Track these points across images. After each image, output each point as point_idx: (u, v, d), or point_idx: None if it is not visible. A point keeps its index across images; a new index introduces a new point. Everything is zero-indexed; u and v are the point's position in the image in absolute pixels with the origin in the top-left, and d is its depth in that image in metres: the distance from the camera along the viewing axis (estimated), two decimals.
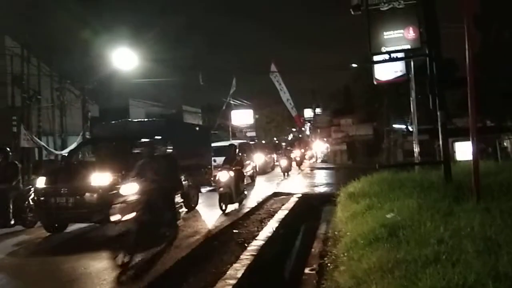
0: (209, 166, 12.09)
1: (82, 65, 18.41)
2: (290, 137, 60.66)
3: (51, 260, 6.29)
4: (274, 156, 26.69)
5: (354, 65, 27.13)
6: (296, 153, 24.97)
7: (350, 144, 32.22)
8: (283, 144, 29.02)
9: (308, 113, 52.31)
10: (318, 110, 44.86)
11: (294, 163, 24.23)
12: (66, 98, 20.22)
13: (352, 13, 9.20)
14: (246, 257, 5.89)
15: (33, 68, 17.83)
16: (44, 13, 17.30)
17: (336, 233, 6.20)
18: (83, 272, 5.53)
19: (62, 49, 17.95)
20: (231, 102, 36.23)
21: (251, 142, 26.73)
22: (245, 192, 10.96)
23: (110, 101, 26.67)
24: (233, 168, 10.05)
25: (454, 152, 12.87)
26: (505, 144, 14.20)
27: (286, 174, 19.54)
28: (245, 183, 12.26)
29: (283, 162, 19.86)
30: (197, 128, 13.71)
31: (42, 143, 17.41)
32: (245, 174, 13.13)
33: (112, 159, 8.23)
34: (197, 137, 11.88)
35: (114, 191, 6.56)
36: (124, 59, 17.97)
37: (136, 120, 14.08)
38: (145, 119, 17.49)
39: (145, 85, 26.43)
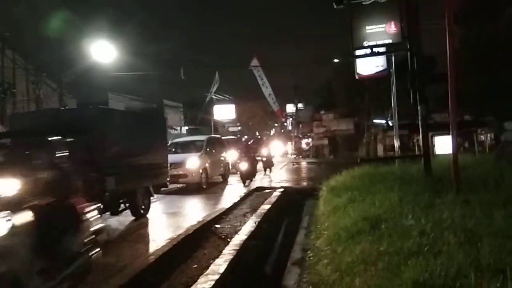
0: (165, 165, 10.33)
1: (60, 57, 17.90)
2: (273, 132, 60.80)
3: None
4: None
5: (336, 60, 27.32)
6: (263, 152, 18.44)
7: (332, 138, 32.52)
8: (244, 138, 23.09)
9: (290, 108, 52.55)
10: (300, 105, 45.08)
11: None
12: (42, 91, 19.64)
13: (335, 7, 9.21)
14: (228, 252, 5.83)
15: (8, 60, 17.25)
16: (20, 4, 16.72)
17: (318, 226, 6.21)
18: None
19: (38, 41, 17.42)
20: (214, 97, 36.05)
21: (228, 137, 24.54)
22: None
23: (88, 94, 26.08)
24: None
25: (434, 146, 13.10)
26: (482, 138, 14.54)
27: (246, 182, 14.38)
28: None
29: (243, 166, 14.42)
30: (148, 119, 11.33)
31: None
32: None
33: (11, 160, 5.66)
34: (148, 130, 9.67)
35: None
36: (103, 51, 17.62)
37: (67, 108, 13.22)
38: (78, 107, 15.82)
39: (125, 78, 26.06)
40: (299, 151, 38.87)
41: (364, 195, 6.31)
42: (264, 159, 18.17)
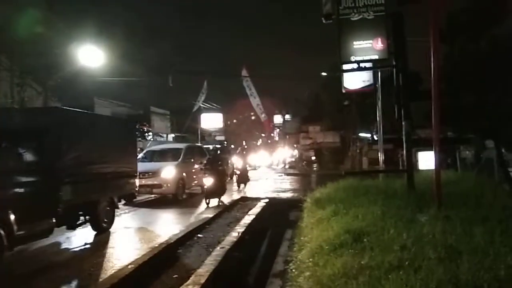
0: (134, 173, 9.47)
1: (46, 60, 17.66)
2: (259, 142, 60.90)
3: None
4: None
5: (323, 74, 27.64)
6: (238, 164, 16.61)
7: (318, 150, 32.72)
8: (217, 147, 20.37)
9: (277, 119, 52.85)
10: (287, 116, 45.37)
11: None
12: (27, 94, 19.31)
13: (324, 21, 9.35)
14: (210, 262, 5.76)
15: None
16: (6, 5, 16.49)
17: (302, 238, 6.20)
18: None
19: (24, 43, 17.15)
20: (201, 105, 36.00)
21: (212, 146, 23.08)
22: None
23: (74, 99, 25.72)
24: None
25: (417, 161, 13.28)
26: (466, 153, 14.80)
27: (212, 201, 11.99)
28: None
29: (208, 181, 12.08)
30: (115, 123, 10.12)
31: None
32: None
33: None
34: (114, 135, 8.77)
35: None
36: (91, 56, 17.44)
37: (21, 108, 12.09)
38: (35, 107, 13.13)
39: (112, 84, 25.82)
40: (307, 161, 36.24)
41: (348, 208, 6.34)
42: (238, 172, 16.49)
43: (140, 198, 11.59)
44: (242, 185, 16.13)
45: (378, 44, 8.06)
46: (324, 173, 23.96)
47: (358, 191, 7.94)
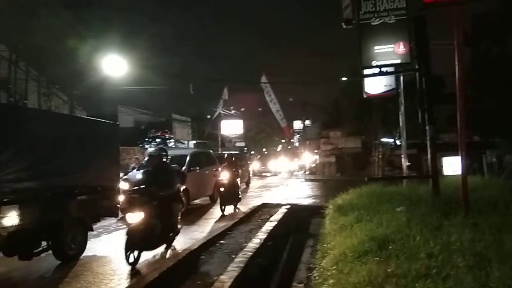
0: (113, 187, 7.68)
1: (71, 70, 18.23)
2: (279, 148, 60.80)
3: None
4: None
5: (344, 79, 27.44)
6: (224, 176, 11.90)
7: (339, 156, 32.39)
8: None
9: (297, 124, 52.69)
10: (307, 122, 45.14)
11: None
12: (53, 103, 19.96)
13: (344, 27, 9.33)
14: (233, 269, 5.78)
15: (21, 72, 17.60)
16: (34, 17, 17.12)
17: (324, 245, 6.15)
18: None
19: (51, 54, 17.75)
20: (221, 112, 36.30)
21: (229, 152, 21.34)
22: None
23: (98, 107, 26.43)
24: None
25: (442, 166, 13.00)
26: (493, 159, 14.41)
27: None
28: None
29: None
30: (86, 125, 7.86)
31: None
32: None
33: None
34: (84, 140, 6.96)
35: None
36: (114, 65, 17.91)
37: None
38: None
39: (135, 92, 26.38)
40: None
41: (372, 215, 6.26)
42: (222, 189, 11.57)
43: None
44: (229, 206, 11.75)
45: (400, 48, 7.98)
46: (345, 179, 23.71)
47: (381, 197, 7.83)
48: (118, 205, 7.84)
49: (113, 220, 9.33)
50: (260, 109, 45.08)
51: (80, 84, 19.05)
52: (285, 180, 26.39)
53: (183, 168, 11.40)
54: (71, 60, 17.88)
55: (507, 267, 3.29)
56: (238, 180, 12.52)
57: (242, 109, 42.29)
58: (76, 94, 19.35)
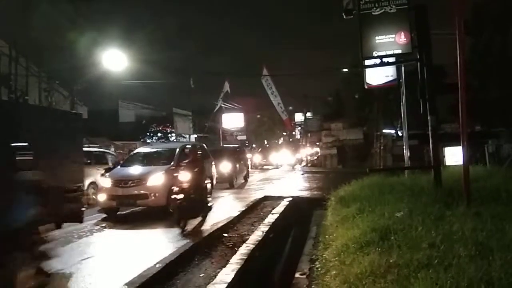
0: (74, 187, 6.76)
1: (72, 66, 18.20)
2: (281, 141, 60.75)
3: None
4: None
5: (345, 70, 27.34)
6: (183, 178, 8.45)
7: (340, 148, 32.36)
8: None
9: (298, 117, 52.58)
10: (308, 114, 45.06)
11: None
12: (54, 99, 19.95)
13: (344, 17, 9.26)
14: (236, 261, 5.81)
15: (21, 68, 17.57)
16: (34, 13, 17.06)
17: (326, 237, 6.17)
18: None
19: (51, 50, 17.73)
20: (222, 105, 36.24)
21: (226, 146, 21.52)
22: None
23: (99, 102, 26.44)
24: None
25: (444, 157, 12.96)
26: (492, 149, 14.38)
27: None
28: None
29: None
30: (38, 113, 7.13)
31: None
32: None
33: None
34: (46, 133, 5.99)
35: None
36: (115, 60, 17.86)
37: None
38: None
39: (135, 87, 26.34)
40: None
41: (373, 206, 6.26)
42: (179, 196, 8.17)
43: (122, 212, 10.30)
44: (186, 222, 8.16)
45: (401, 38, 7.91)
46: (347, 170, 23.70)
47: (383, 188, 7.81)
48: (83, 209, 7.10)
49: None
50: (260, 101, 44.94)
51: (81, 79, 19.03)
52: (286, 172, 26.40)
53: (172, 163, 10.41)
54: (71, 55, 17.85)
55: (509, 256, 3.29)
56: (208, 182, 10.35)
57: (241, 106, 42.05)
58: (76, 89, 19.33)
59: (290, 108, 46.35)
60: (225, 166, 16.08)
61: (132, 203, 10.00)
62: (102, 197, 9.93)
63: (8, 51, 16.89)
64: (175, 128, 36.86)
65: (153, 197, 9.62)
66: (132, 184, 9.77)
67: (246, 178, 18.97)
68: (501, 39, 9.67)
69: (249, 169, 20.80)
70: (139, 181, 9.83)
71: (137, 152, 12.45)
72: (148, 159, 11.36)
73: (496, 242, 3.70)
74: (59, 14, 17.01)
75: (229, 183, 16.20)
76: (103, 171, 11.21)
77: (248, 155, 25.29)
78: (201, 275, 5.45)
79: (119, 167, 11.15)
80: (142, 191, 9.68)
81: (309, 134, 42.78)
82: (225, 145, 24.92)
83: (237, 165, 17.29)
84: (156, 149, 12.75)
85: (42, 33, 16.80)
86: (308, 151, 39.86)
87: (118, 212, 10.11)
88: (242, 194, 14.04)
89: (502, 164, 12.06)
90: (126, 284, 4.88)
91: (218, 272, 5.37)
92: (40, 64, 18.96)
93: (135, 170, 10.47)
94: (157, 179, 9.81)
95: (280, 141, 61.05)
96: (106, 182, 10.01)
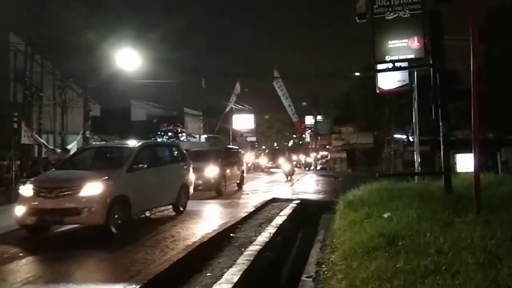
0: None
1: (86, 64, 18.45)
2: (290, 143, 60.67)
3: None
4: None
5: (356, 74, 27.23)
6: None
7: (350, 152, 32.24)
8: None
9: (309, 120, 52.46)
10: (319, 117, 44.95)
11: None
12: (68, 96, 20.25)
13: (357, 21, 9.22)
14: (242, 261, 5.83)
15: (36, 65, 17.86)
16: (50, 11, 17.35)
17: (334, 240, 6.16)
18: None
19: (66, 48, 17.99)
20: (233, 106, 36.36)
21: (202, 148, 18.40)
22: None
23: (111, 101, 26.75)
24: None
25: (455, 163, 12.84)
26: (505, 157, 14.21)
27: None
28: None
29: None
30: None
31: (42, 141, 17.40)
32: None
33: None
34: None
35: None
36: (128, 59, 18.09)
37: None
38: None
39: (147, 86, 26.60)
40: None
41: (382, 211, 6.24)
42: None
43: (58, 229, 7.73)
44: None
45: (414, 43, 7.87)
46: (357, 174, 23.59)
47: (392, 193, 7.77)
48: None
49: None
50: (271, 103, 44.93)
51: (95, 77, 19.28)
52: (295, 175, 26.31)
53: (124, 166, 7.97)
54: (86, 53, 18.09)
55: None
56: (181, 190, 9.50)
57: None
58: (90, 87, 19.58)
59: (303, 105, 46.16)
60: (211, 171, 13.55)
61: (58, 220, 7.13)
62: (19, 211, 7.07)
63: (24, 48, 17.19)
64: (186, 128, 37.09)
65: (87, 213, 6.91)
66: (59, 194, 6.99)
67: (240, 184, 16.29)
68: None
69: (244, 174, 17.72)
70: (70, 189, 7.06)
71: (83, 151, 10.23)
72: (93, 161, 8.94)
73: (505, 250, 3.67)
74: (73, 11, 17.26)
75: (216, 190, 13.65)
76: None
77: (248, 158, 23.74)
78: None
79: (53, 170, 8.47)
80: (72, 204, 6.97)
81: (319, 137, 42.67)
82: (213, 147, 21.71)
83: (228, 170, 14.79)
84: (109, 147, 10.49)
85: (56, 30, 17.08)
86: (317, 154, 39.77)
87: (50, 230, 7.57)
88: (225, 208, 11.28)
89: None
90: None
91: None
92: (55, 62, 19.25)
93: (69, 174, 7.76)
94: (94, 188, 7.07)
95: (290, 143, 60.99)
96: (26, 190, 7.23)
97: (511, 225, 4.53)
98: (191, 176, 10.72)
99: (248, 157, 28.98)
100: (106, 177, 7.35)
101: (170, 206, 9.63)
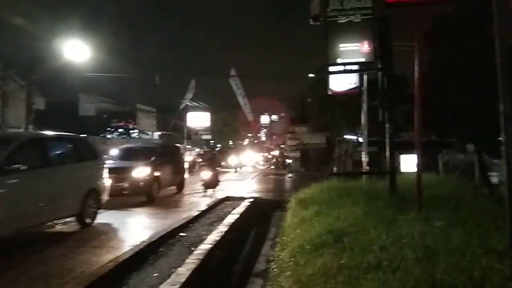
0: None
1: (29, 53, 17.36)
2: (246, 142, 60.89)
3: None
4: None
5: (311, 75, 27.80)
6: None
7: (304, 151, 32.86)
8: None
9: (264, 119, 52.99)
10: (274, 117, 45.48)
11: None
12: (9, 87, 18.96)
13: (311, 23, 9.40)
14: (192, 261, 5.73)
15: None
16: None
17: (284, 238, 6.22)
18: None
19: (7, 35, 16.83)
20: (189, 103, 35.86)
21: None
22: None
23: (58, 94, 25.39)
24: None
25: (399, 164, 13.47)
26: (445, 158, 15.11)
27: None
28: None
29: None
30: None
31: None
32: None
33: None
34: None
35: None
36: (77, 50, 17.22)
37: None
38: None
39: (99, 80, 25.48)
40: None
41: (331, 209, 6.39)
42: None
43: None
44: None
45: (364, 47, 8.13)
46: (309, 174, 24.09)
47: (341, 192, 8.00)
48: None
49: None
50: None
51: (40, 68, 18.19)
52: (249, 174, 26.36)
53: None
54: (29, 42, 17.02)
55: (453, 259, 3.46)
56: (86, 197, 7.70)
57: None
58: (34, 79, 18.46)
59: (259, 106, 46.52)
60: (139, 172, 11.46)
61: None
62: None
63: None
64: (138, 124, 36.09)
65: None
66: None
67: (180, 187, 14.29)
68: (457, 52, 10.18)
69: (185, 176, 15.90)
70: None
71: None
72: None
73: (442, 246, 3.87)
74: None
75: (146, 195, 11.58)
76: None
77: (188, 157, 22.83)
78: None
79: None
80: None
81: (274, 137, 43.17)
82: (146, 144, 19.65)
83: (163, 171, 12.58)
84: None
85: None
86: (271, 153, 40.16)
87: None
88: (151, 219, 9.41)
89: (453, 173, 12.70)
90: None
91: None
92: None
93: None
94: None
95: (245, 142, 61.19)
96: None
97: (448, 222, 4.80)
98: (105, 179, 8.81)
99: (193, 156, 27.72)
100: None
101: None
